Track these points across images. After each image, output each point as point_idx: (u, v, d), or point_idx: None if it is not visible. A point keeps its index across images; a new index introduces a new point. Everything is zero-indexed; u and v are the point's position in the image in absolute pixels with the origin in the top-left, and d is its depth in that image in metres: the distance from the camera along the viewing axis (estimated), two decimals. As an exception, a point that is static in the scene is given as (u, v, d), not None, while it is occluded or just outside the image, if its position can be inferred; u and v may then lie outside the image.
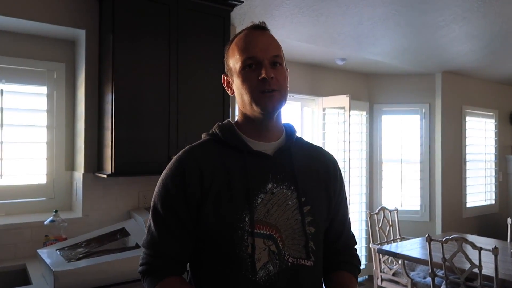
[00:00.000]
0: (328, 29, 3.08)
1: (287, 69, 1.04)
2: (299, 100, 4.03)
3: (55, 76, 2.41)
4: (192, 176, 0.94)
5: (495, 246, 2.15)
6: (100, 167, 2.26)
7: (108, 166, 2.11)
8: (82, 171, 2.28)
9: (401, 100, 4.51)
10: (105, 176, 2.08)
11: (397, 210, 3.61)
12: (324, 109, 4.04)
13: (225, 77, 1.06)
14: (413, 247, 3.04)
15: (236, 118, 1.08)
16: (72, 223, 2.18)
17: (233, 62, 0.99)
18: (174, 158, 1.00)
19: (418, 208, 4.50)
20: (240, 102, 1.01)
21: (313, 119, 4.13)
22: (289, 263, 0.93)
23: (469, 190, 4.73)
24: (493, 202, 5.06)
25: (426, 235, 2.49)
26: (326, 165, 1.08)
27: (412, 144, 4.51)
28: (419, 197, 4.50)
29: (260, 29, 1.00)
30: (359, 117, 4.44)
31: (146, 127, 2.15)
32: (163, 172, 1.00)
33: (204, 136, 1.07)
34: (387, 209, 3.50)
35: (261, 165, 0.97)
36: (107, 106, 2.15)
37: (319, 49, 3.56)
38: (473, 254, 2.29)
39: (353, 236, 1.17)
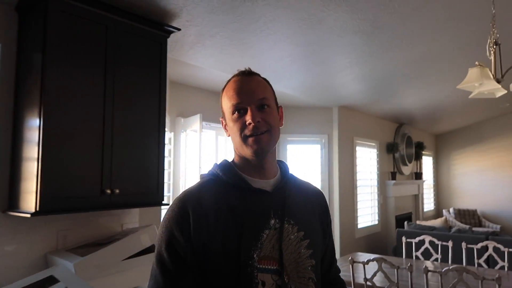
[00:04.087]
0: (253, 62, 3.20)
1: (279, 107, 1.12)
2: (214, 128, 4.05)
3: (-49, 95, 1.99)
4: (198, 218, 0.93)
5: (410, 264, 2.45)
6: (13, 205, 1.92)
7: (29, 203, 1.80)
8: (-12, 209, 1.90)
9: (304, 130, 4.87)
10: (29, 215, 1.77)
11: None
12: (238, 138, 4.11)
13: (222, 120, 1.11)
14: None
15: (233, 158, 1.10)
16: (-24, 275, 1.78)
17: (225, 107, 1.05)
18: (176, 200, 0.99)
19: (319, 231, 4.83)
20: (234, 143, 1.05)
21: (227, 147, 4.17)
22: None
23: (359, 212, 5.28)
24: (377, 222, 5.74)
25: (349, 258, 2.70)
26: (317, 199, 1.16)
27: (314, 171, 4.88)
28: (320, 220, 4.84)
29: (246, 75, 1.06)
30: (268, 146, 4.63)
31: (78, 158, 1.91)
32: (167, 213, 0.98)
33: (202, 177, 1.08)
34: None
35: (263, 202, 0.99)
36: (30, 134, 1.85)
37: (237, 80, 3.66)
38: (390, 273, 2.56)
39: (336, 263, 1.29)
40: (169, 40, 2.56)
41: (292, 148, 4.87)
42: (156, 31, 2.31)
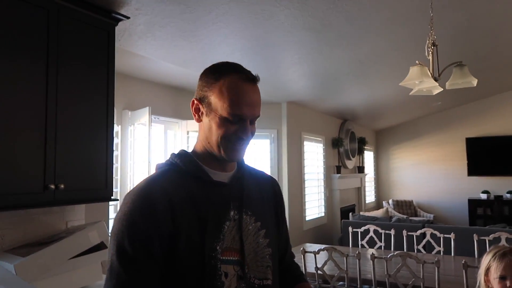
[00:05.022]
0: (203, 55, 3.16)
1: None
2: (163, 122, 3.94)
3: None
4: (163, 208, 0.89)
5: (358, 252, 2.57)
6: None
7: (-39, 201, 1.65)
8: None
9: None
10: (-39, 214, 1.61)
11: (260, 228, 3.87)
12: (188, 132, 4.05)
13: (196, 102, 1.02)
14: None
15: (193, 148, 1.07)
16: None
17: (218, 104, 0.96)
18: (137, 191, 0.92)
19: (269, 224, 4.91)
20: (207, 138, 1.00)
21: (176, 142, 4.09)
22: (256, 285, 0.98)
23: (307, 205, 5.43)
24: (323, 214, 5.94)
25: (301, 249, 2.77)
26: (272, 188, 1.17)
27: (264, 166, 4.94)
28: (269, 214, 4.92)
29: (254, 83, 0.99)
30: (218, 141, 4.61)
31: (17, 152, 1.77)
32: (125, 206, 0.91)
33: (158, 167, 1.03)
34: (252, 228, 3.71)
35: (222, 194, 0.99)
36: (-38, 125, 1.69)
37: (186, 73, 3.59)
38: (341, 261, 2.67)
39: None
40: (117, 29, 2.46)
41: (242, 143, 4.88)
42: (104, 18, 2.20)
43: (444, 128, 8.01)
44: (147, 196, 0.90)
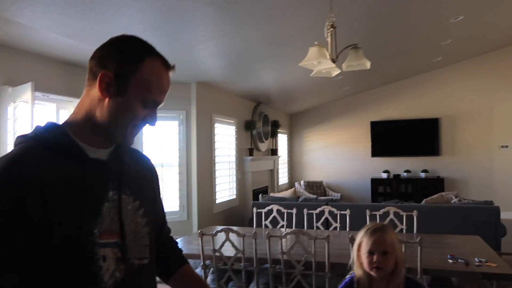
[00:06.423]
0: (96, 27, 2.89)
1: None
2: (55, 101, 3.58)
3: None
4: (33, 194, 0.79)
5: (254, 232, 2.58)
6: None
7: None
8: None
9: (161, 106, 4.69)
10: None
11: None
12: (84, 112, 3.73)
13: (110, 77, 0.89)
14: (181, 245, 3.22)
15: (68, 120, 0.94)
16: None
17: (140, 87, 0.91)
18: (3, 172, 0.79)
19: (177, 208, 4.79)
20: (110, 116, 0.90)
21: (71, 122, 3.75)
22: (135, 265, 0.96)
23: (217, 188, 5.39)
24: (235, 196, 5.96)
25: (199, 231, 2.70)
26: (148, 166, 1.14)
27: (172, 148, 4.77)
28: (178, 198, 4.79)
29: (170, 70, 0.99)
30: (121, 122, 4.34)
31: None
32: None
33: (19, 140, 0.89)
34: (155, 212, 3.57)
35: (100, 173, 0.92)
36: None
37: (80, 47, 3.27)
38: (237, 242, 2.66)
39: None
40: (-20, -12, 2.13)
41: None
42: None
43: (351, 112, 8.48)
44: (12, 180, 0.78)
